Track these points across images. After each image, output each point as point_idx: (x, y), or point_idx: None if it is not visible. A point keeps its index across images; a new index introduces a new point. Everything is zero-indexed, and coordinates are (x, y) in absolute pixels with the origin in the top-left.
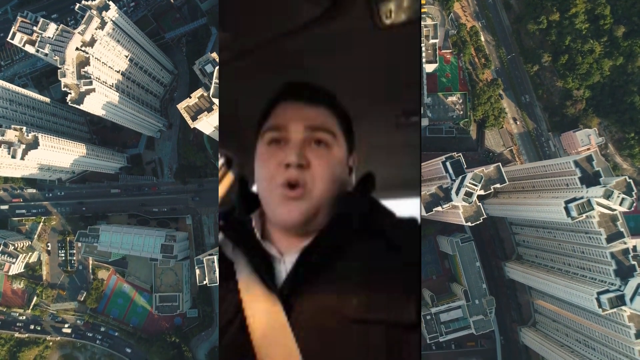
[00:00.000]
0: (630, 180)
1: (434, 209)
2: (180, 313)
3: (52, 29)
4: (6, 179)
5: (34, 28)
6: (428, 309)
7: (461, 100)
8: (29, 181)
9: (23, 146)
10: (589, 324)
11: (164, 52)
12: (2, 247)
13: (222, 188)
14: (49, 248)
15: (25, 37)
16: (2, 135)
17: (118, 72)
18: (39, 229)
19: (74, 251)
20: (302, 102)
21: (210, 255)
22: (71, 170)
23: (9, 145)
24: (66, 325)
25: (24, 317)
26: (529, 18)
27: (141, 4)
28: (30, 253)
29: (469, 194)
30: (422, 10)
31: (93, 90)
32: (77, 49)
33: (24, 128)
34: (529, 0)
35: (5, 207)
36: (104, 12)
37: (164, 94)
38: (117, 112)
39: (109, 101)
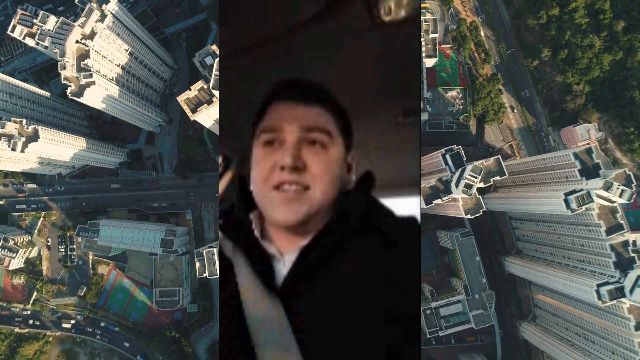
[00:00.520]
0: (630, 173)
1: (433, 202)
2: (180, 308)
3: (52, 22)
4: (6, 174)
5: (34, 21)
6: (428, 303)
7: (461, 95)
8: (29, 176)
9: (23, 139)
10: (588, 317)
11: (164, 47)
12: (2, 242)
13: (222, 187)
14: (49, 243)
15: (26, 30)
16: (2, 127)
17: (118, 65)
18: (39, 224)
19: (74, 246)
20: (296, 101)
21: (210, 247)
22: (71, 165)
23: (9, 137)
24: (66, 321)
25: (24, 312)
26: (529, 13)
27: None
28: (30, 248)
29: (468, 186)
30: (422, 5)
31: (93, 83)
32: (77, 41)
33: (24, 121)
34: None
35: (1, 202)
36: (104, 5)
37: (164, 89)
38: (117, 106)
39: (109, 94)
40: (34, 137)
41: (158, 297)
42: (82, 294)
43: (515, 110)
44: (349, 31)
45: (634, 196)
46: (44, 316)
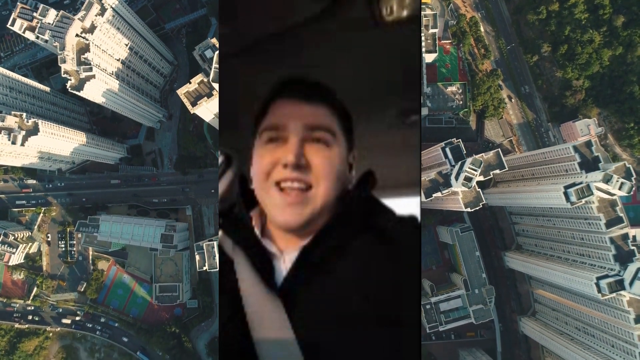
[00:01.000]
0: (630, 166)
1: (433, 195)
2: (180, 303)
3: (52, 15)
4: (6, 170)
5: (34, 14)
6: (428, 298)
7: (461, 91)
8: (29, 172)
9: (23, 132)
10: (588, 311)
11: (164, 42)
12: (2, 237)
13: (222, 186)
14: (49, 239)
15: (26, 24)
16: (2, 120)
17: (118, 60)
18: (39, 219)
19: (74, 242)
20: (300, 99)
21: (210, 241)
22: (71, 161)
23: (9, 131)
24: (66, 316)
25: (24, 308)
26: (529, 8)
27: None
28: (30, 244)
29: (468, 179)
30: (422, 0)
31: (93, 76)
32: (77, 35)
33: (24, 114)
34: None
35: (2, 197)
36: None
37: (164, 84)
38: (117, 100)
39: (109, 88)
40: (34, 131)
41: (158, 293)
42: (82, 289)
43: (512, 100)
44: (349, 30)
45: (633, 189)
46: (44, 312)
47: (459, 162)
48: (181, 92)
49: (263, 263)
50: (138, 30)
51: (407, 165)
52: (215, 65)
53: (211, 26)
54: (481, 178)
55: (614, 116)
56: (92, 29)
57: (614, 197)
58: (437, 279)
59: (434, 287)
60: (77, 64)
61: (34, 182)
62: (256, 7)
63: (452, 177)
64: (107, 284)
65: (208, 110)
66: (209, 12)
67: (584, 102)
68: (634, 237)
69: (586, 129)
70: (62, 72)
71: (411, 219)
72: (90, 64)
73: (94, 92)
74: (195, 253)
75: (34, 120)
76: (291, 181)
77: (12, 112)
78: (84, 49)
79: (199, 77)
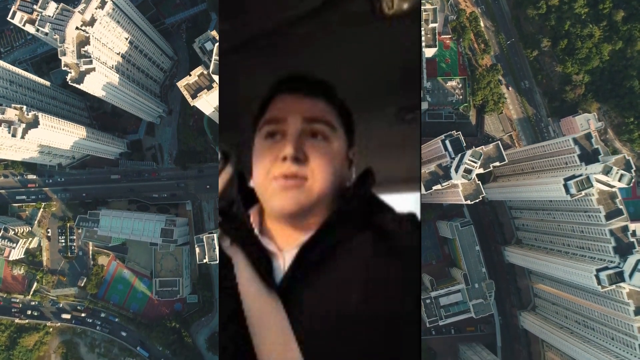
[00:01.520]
0: (630, 158)
1: (433, 187)
2: (180, 298)
3: (52, 8)
4: (6, 165)
5: (34, 7)
6: (427, 293)
7: (460, 85)
8: (29, 167)
9: (23, 125)
10: (588, 304)
11: (164, 37)
12: (2, 232)
13: (222, 183)
14: (49, 234)
15: (26, 17)
16: (2, 113)
17: (118, 54)
18: (39, 215)
19: (74, 237)
20: (300, 94)
21: (210, 233)
22: (71, 155)
23: (9, 124)
24: (66, 311)
25: (24, 303)
26: (528, 3)
27: None
28: (30, 239)
29: (468, 171)
30: None
31: (93, 69)
32: (77, 28)
33: (24, 107)
34: None
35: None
36: None
37: (164, 79)
38: (117, 94)
39: (109, 82)
40: (34, 124)
41: (158, 287)
42: (82, 284)
43: (510, 89)
44: (349, 26)
45: (633, 180)
46: (44, 307)
47: (459, 155)
48: (181, 84)
49: (262, 261)
50: (138, 24)
51: (407, 162)
52: (215, 57)
53: (211, 21)
54: (481, 170)
55: (613, 111)
56: (92, 21)
57: (614, 190)
58: (437, 274)
59: (434, 281)
60: (77, 57)
61: (34, 177)
62: (256, 3)
63: (452, 170)
64: (107, 279)
65: (208, 103)
66: (209, 7)
67: (583, 97)
68: (634, 231)
69: (586, 123)
70: (62, 65)
71: (411, 216)
72: (90, 57)
73: (94, 85)
74: (196, 246)
75: (34, 113)
76: (290, 175)
77: (12, 105)
78: (84, 41)
79: (198, 70)
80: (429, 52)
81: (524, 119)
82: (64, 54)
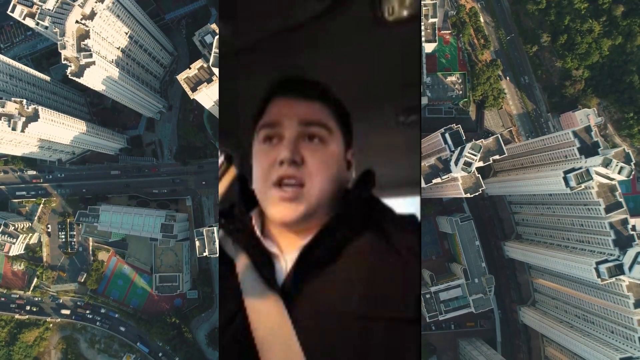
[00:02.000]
0: (629, 151)
1: (433, 180)
2: (180, 293)
3: (52, 1)
4: (6, 161)
5: (34, 0)
6: (427, 288)
7: (460, 80)
8: (29, 162)
9: (23, 119)
10: (588, 297)
11: (164, 33)
12: (2, 227)
13: (222, 186)
14: (49, 230)
15: (26, 10)
16: (3, 107)
17: (118, 48)
18: (39, 210)
19: (74, 233)
20: (295, 97)
21: (210, 227)
22: (71, 151)
23: (9, 117)
24: (66, 307)
25: (25, 299)
26: None
27: None
28: (30, 234)
29: (468, 164)
30: None
31: (93, 63)
32: (77, 21)
33: (24, 101)
34: None
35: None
36: None
37: (164, 75)
38: (117, 89)
39: (109, 76)
40: (34, 117)
41: (158, 283)
42: (82, 280)
43: (507, 77)
44: (349, 29)
45: (632, 172)
46: (44, 303)
47: (459, 148)
48: (181, 77)
49: (264, 263)
50: (138, 19)
51: (407, 164)
52: (215, 50)
53: (211, 17)
54: (481, 164)
55: (613, 106)
56: (92, 15)
57: (614, 182)
58: (436, 269)
59: (434, 276)
60: (77, 51)
61: (34, 172)
62: (256, 5)
63: (452, 163)
64: (107, 274)
65: (208, 96)
66: (209, 2)
67: (583, 92)
68: (634, 226)
69: (586, 118)
70: (62, 59)
71: (411, 218)
72: (90, 51)
73: (93, 79)
74: (196, 239)
75: (34, 106)
76: (287, 178)
77: (12, 99)
78: (83, 35)
79: (198, 63)
80: (428, 47)
81: (524, 115)
82: (64, 48)
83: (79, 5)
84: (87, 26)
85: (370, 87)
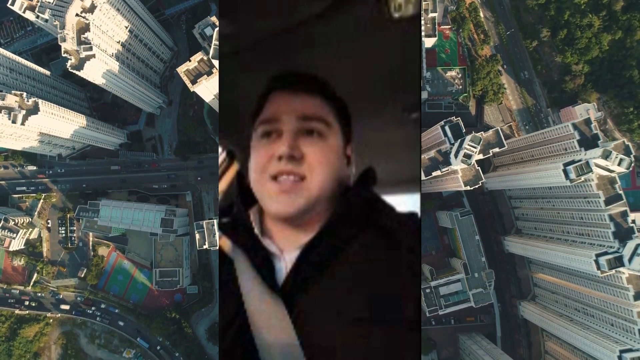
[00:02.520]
0: (629, 144)
1: (432, 173)
2: (180, 288)
3: None
4: (6, 156)
5: None
6: (427, 282)
7: (460, 75)
8: (29, 157)
9: (23, 111)
10: (588, 291)
11: (164, 28)
12: (2, 222)
13: (222, 184)
14: (49, 225)
15: (26, 3)
16: (3, 99)
17: (118, 42)
18: (39, 205)
19: (74, 228)
20: (293, 91)
21: (210, 219)
22: (71, 146)
23: (10, 110)
24: (66, 302)
25: (25, 294)
26: None
27: None
28: (30, 229)
29: (467, 156)
30: None
31: (93, 56)
32: (77, 14)
33: (24, 94)
34: None
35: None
36: None
37: (164, 70)
38: (117, 83)
39: (109, 69)
40: (34, 110)
41: (158, 278)
42: (82, 275)
43: (505, 67)
44: (350, 27)
45: (632, 164)
46: (45, 298)
47: (459, 140)
48: (181, 70)
49: (263, 263)
50: (138, 14)
51: (408, 162)
52: (215, 42)
53: (211, 12)
54: (480, 156)
55: (613, 101)
56: (92, 8)
57: (613, 175)
58: (436, 264)
59: (434, 271)
60: (77, 44)
61: (34, 168)
62: (256, 3)
63: (452, 155)
64: (107, 270)
65: (207, 89)
66: None
67: (583, 87)
68: (634, 221)
69: (585, 113)
70: (62, 52)
71: (411, 216)
72: (90, 44)
73: (93, 73)
74: (196, 232)
75: (34, 99)
76: (286, 174)
77: (13, 92)
78: (84, 28)
79: (198, 55)
80: (428, 42)
81: (524, 110)
82: (64, 40)
83: None
84: (87, 19)
85: (370, 84)
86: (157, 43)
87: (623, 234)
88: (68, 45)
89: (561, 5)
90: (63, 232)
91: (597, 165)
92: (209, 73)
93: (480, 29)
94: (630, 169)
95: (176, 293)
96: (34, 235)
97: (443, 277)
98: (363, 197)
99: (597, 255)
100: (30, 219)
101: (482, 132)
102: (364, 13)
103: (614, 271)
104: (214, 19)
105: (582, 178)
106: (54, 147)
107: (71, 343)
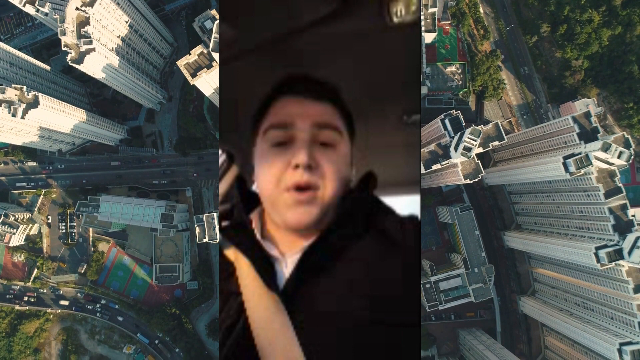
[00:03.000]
0: (629, 137)
1: (432, 167)
2: (180, 284)
3: None
4: (6, 152)
5: None
6: (427, 277)
7: (460, 71)
8: (29, 153)
9: (23, 105)
10: (587, 285)
11: (164, 24)
12: (2, 217)
13: (222, 187)
14: (49, 221)
15: None
16: (3, 93)
17: (118, 37)
18: (39, 201)
19: (74, 224)
20: (305, 97)
21: (209, 213)
22: (72, 141)
23: (10, 103)
24: (66, 298)
25: (25, 290)
26: None
27: None
28: (30, 225)
29: (467, 149)
30: None
31: (93, 49)
32: (77, 8)
33: (25, 87)
34: None
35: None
36: None
37: (164, 66)
38: (117, 77)
39: (109, 63)
40: (34, 104)
41: (158, 273)
42: (82, 271)
43: (502, 55)
44: (350, 32)
45: (632, 157)
46: (45, 294)
47: (458, 133)
48: (181, 63)
49: (264, 266)
50: (138, 8)
51: (408, 164)
52: (215, 35)
53: (211, 6)
54: (480, 150)
55: (613, 96)
56: (92, 2)
57: (613, 168)
58: (436, 260)
59: (434, 266)
60: (77, 37)
61: (34, 164)
62: (257, 6)
63: (452, 148)
64: (107, 265)
65: (207, 82)
66: None
67: (583, 83)
68: (634, 216)
69: (585, 109)
70: (62, 45)
71: (411, 219)
72: (90, 37)
73: (93, 67)
74: (195, 225)
75: (34, 93)
76: (304, 184)
77: (13, 85)
78: (84, 22)
79: (198, 49)
80: (428, 38)
81: (524, 105)
82: (64, 34)
83: None
84: (87, 13)
85: (370, 88)
86: (157, 38)
87: (623, 227)
88: (68, 38)
89: (561, 0)
90: (63, 227)
91: (597, 158)
92: (209, 66)
93: (480, 24)
94: (630, 161)
95: (176, 289)
96: (34, 231)
97: (443, 273)
98: (364, 200)
99: (597, 248)
100: (31, 215)
101: (482, 126)
102: (366, 18)
103: (613, 264)
104: (213, 12)
105: (582, 171)
106: (54, 143)
107: (71, 339)
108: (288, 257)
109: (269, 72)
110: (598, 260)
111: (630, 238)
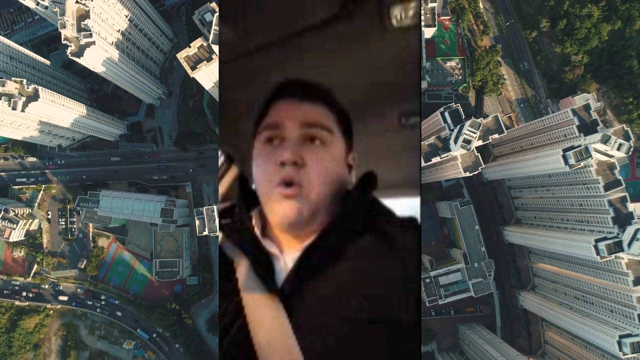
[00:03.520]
0: (628, 129)
1: (432, 159)
2: (180, 279)
3: None
4: (6, 148)
5: None
6: (427, 272)
7: (460, 66)
8: (29, 148)
9: (23, 98)
10: (587, 278)
11: (164, 19)
12: (2, 213)
13: (223, 186)
14: (49, 216)
15: None
16: (3, 86)
17: (118, 31)
18: (39, 197)
19: (74, 219)
20: (297, 98)
21: (209, 206)
22: (72, 137)
23: (10, 97)
24: (66, 293)
25: (25, 286)
26: None
27: None
28: (30, 220)
29: (467, 141)
30: None
31: (93, 43)
32: (77, 1)
33: (24, 80)
34: None
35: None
36: None
37: (164, 61)
38: (117, 71)
39: (109, 57)
40: (34, 97)
41: (158, 268)
42: (82, 266)
43: (502, 51)
44: (350, 34)
45: (631, 149)
46: (45, 289)
47: (458, 126)
48: (181, 56)
49: (263, 264)
50: (138, 3)
51: (408, 165)
52: (214, 27)
53: (210, 0)
54: (480, 142)
55: (612, 91)
56: None
57: (613, 160)
58: (436, 255)
59: (434, 261)
60: (77, 31)
61: (34, 159)
62: (257, 9)
63: (451, 141)
64: (107, 261)
65: (207, 75)
66: None
67: (582, 78)
68: (633, 210)
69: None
70: (62, 39)
71: (411, 220)
72: (90, 31)
73: (93, 60)
74: (195, 218)
75: (34, 86)
76: (289, 180)
77: (13, 78)
78: (84, 15)
79: (198, 41)
80: (428, 33)
81: (523, 100)
82: (64, 27)
83: None
84: (87, 6)
85: (369, 90)
86: (157, 33)
87: (622, 219)
88: (68, 32)
89: None
90: (63, 223)
91: (597, 151)
92: (209, 59)
93: (480, 19)
94: (630, 153)
95: (176, 284)
96: (34, 226)
97: (443, 267)
98: (363, 200)
99: (597, 241)
100: (30, 210)
101: (482, 118)
102: (365, 21)
103: (613, 256)
104: (213, 4)
105: (582, 164)
106: (54, 138)
107: (71, 334)
108: (287, 255)
109: (269, 74)
110: (598, 253)
111: (630, 230)
